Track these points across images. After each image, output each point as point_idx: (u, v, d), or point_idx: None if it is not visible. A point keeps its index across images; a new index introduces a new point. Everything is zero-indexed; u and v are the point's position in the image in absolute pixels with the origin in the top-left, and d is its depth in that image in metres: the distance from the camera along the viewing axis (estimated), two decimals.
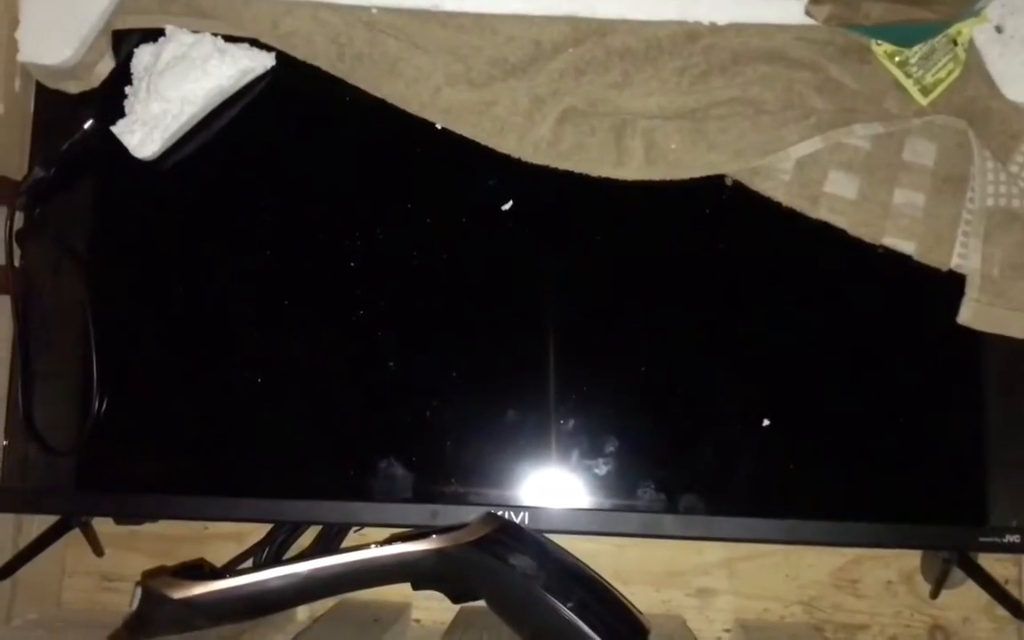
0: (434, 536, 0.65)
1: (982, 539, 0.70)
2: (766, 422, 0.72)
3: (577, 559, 0.67)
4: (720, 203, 0.74)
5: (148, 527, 0.82)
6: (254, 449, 0.75)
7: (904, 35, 0.71)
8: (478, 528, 0.65)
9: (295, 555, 0.78)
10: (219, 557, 0.80)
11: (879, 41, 0.73)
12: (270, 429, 0.75)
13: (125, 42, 0.76)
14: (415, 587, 0.66)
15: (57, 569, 0.84)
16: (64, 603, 0.84)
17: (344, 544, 0.79)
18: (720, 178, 0.74)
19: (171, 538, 0.83)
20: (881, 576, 0.81)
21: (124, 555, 0.83)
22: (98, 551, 0.80)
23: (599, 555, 0.80)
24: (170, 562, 0.82)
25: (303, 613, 0.80)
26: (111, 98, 0.76)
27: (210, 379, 0.75)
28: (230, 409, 0.75)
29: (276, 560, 0.77)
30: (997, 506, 0.71)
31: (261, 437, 0.75)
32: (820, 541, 0.73)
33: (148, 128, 0.74)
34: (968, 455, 0.72)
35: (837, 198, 0.72)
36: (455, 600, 0.67)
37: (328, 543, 0.78)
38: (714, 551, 0.82)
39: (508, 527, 0.65)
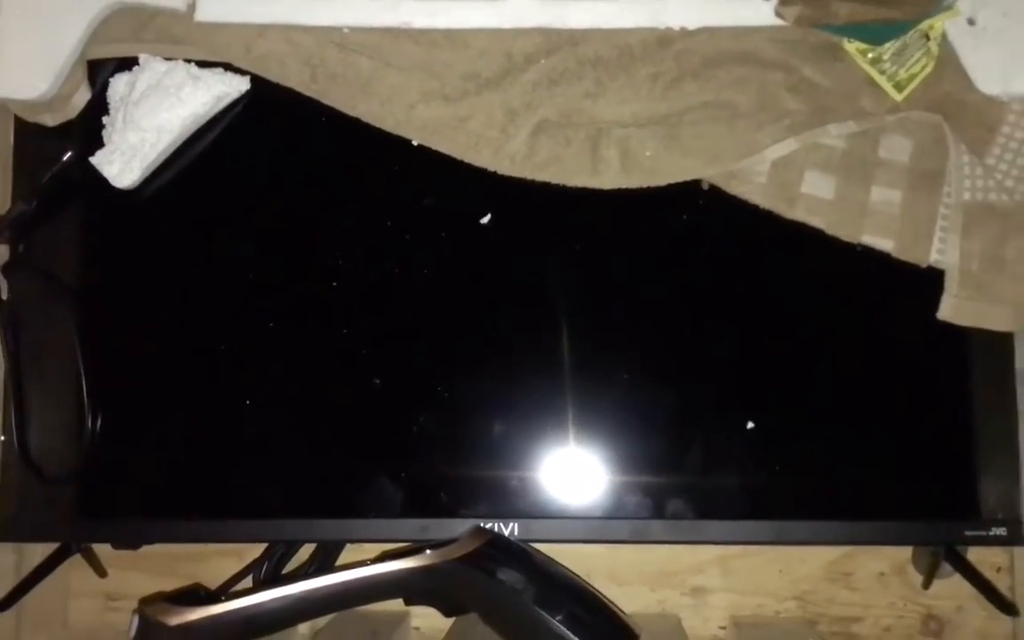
0: (425, 552, 0.66)
1: (968, 533, 0.70)
2: (751, 425, 0.72)
3: (566, 569, 0.68)
4: (697, 208, 0.74)
5: (149, 546, 0.83)
6: (246, 470, 0.75)
7: (875, 33, 0.71)
8: (466, 543, 0.66)
9: (292, 571, 0.79)
10: (220, 573, 0.81)
11: (851, 39, 0.72)
12: (261, 450, 0.76)
13: (100, 72, 0.77)
14: (407, 603, 0.67)
15: (62, 592, 0.85)
16: (70, 625, 0.86)
17: (342, 559, 0.80)
18: (697, 183, 0.74)
19: (172, 556, 0.85)
20: (873, 568, 0.82)
21: (127, 575, 0.84)
22: (100, 572, 0.81)
23: (592, 557, 0.82)
24: (173, 579, 0.83)
25: (304, 627, 0.81)
26: (89, 129, 0.76)
27: (199, 403, 0.76)
28: (221, 432, 0.76)
29: (274, 577, 0.78)
30: (982, 499, 0.71)
31: (253, 458, 0.76)
32: (805, 541, 0.73)
33: (126, 158, 0.74)
34: (952, 449, 0.72)
35: (814, 199, 0.72)
36: (447, 614, 0.68)
37: (324, 559, 0.79)
38: (707, 549, 0.83)
39: (496, 540, 0.66)
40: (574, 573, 0.68)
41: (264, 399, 0.76)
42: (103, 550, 0.81)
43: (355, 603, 0.65)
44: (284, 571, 0.80)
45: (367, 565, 0.66)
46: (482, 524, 0.71)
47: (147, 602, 0.66)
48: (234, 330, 0.76)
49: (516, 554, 0.65)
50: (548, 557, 0.68)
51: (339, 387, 0.75)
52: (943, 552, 0.72)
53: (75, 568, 0.83)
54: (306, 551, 0.80)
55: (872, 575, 0.82)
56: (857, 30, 0.71)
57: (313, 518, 0.75)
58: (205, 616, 0.63)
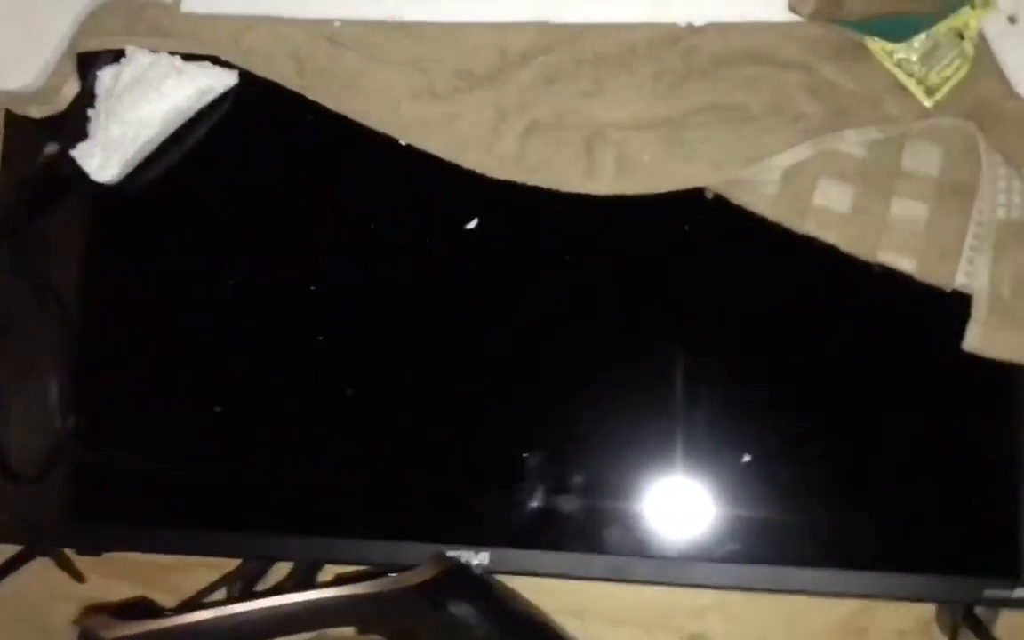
0: (377, 579, 0.62)
1: (987, 593, 0.62)
2: (747, 458, 0.65)
3: (532, 607, 0.62)
4: (700, 219, 0.68)
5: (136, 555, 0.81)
6: (218, 482, 0.72)
7: (895, 28, 0.64)
8: (422, 572, 0.61)
9: (267, 589, 0.75)
10: (202, 585, 0.77)
11: (874, 37, 0.66)
12: (233, 462, 0.72)
13: (90, 64, 0.75)
14: (360, 631, 0.63)
15: (43, 596, 0.83)
16: (47, 629, 0.83)
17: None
18: (700, 192, 0.68)
19: (156, 566, 0.81)
20: (893, 625, 0.73)
21: (109, 582, 0.81)
22: (77, 578, 0.79)
23: (587, 595, 0.75)
24: (152, 589, 0.80)
25: None
26: (76, 122, 0.74)
27: (175, 408, 0.73)
28: (196, 440, 0.73)
29: (247, 593, 0.75)
30: (1008, 557, 0.63)
31: (225, 470, 0.72)
32: (797, 589, 0.66)
33: (107, 152, 0.72)
34: (978, 497, 0.64)
35: (827, 211, 0.66)
36: None
37: (301, 578, 0.75)
38: (709, 592, 0.76)
39: (456, 570, 0.61)
40: (540, 612, 0.62)
41: (241, 407, 0.72)
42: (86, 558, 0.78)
43: (300, 628, 0.61)
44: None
45: (319, 589, 0.62)
46: (451, 552, 0.66)
47: (90, 611, 0.63)
48: (214, 334, 0.73)
49: (475, 587, 0.60)
50: (513, 592, 0.62)
51: (316, 397, 0.72)
52: (961, 613, 0.63)
53: (57, 573, 0.81)
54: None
55: (891, 632, 0.73)
56: (876, 26, 0.64)
57: (282, 535, 0.70)
58: (141, 631, 0.60)
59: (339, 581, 0.63)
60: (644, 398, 0.67)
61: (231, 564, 0.76)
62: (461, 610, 0.58)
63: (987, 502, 0.64)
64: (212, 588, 0.76)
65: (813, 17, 0.65)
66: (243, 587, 0.74)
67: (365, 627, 0.62)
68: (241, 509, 0.72)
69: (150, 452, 0.73)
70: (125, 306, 0.74)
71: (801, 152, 0.66)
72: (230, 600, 0.70)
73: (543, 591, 0.68)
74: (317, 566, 0.75)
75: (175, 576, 0.81)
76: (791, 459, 0.66)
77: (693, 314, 0.68)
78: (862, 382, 0.66)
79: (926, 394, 0.65)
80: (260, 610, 0.60)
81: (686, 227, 0.69)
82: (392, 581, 0.60)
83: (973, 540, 0.64)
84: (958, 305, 0.64)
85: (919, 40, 0.66)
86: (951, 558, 0.63)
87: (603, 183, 0.69)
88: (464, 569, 0.62)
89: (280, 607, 0.60)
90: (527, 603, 0.62)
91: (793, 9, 0.66)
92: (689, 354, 0.68)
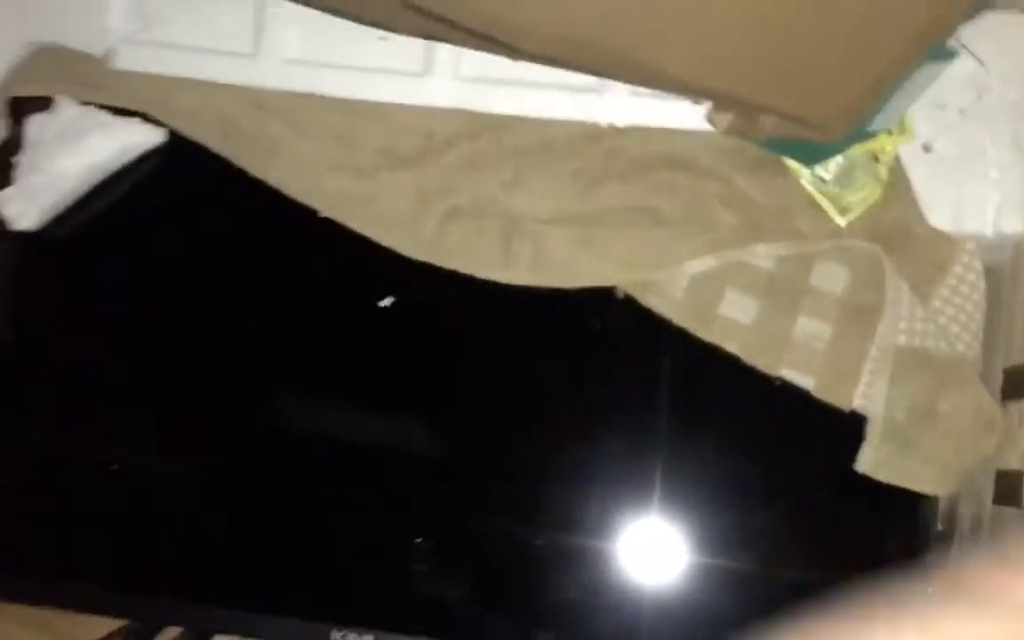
0: None
1: None
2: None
3: None
4: (611, 317, 0.68)
5: None
6: (111, 540, 0.71)
7: (803, 152, 0.64)
8: None
9: None
10: (94, 636, 0.76)
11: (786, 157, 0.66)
12: (130, 522, 0.71)
13: (22, 110, 0.75)
14: None
15: None
16: None
17: None
18: (611, 290, 0.68)
19: (53, 612, 0.80)
20: None
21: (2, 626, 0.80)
22: None
23: None
24: (47, 636, 0.79)
25: None
26: (1, 167, 0.74)
27: (70, 463, 0.72)
28: (91, 497, 0.72)
29: None
30: None
31: (120, 528, 0.71)
32: None
33: (27, 200, 0.72)
34: None
35: (732, 321, 0.66)
36: None
37: None
38: None
39: None
40: None
41: (136, 469, 0.72)
42: None
43: None
44: None
45: None
46: (336, 632, 0.65)
47: None
48: (119, 390, 0.73)
49: None
50: None
51: (214, 465, 0.71)
52: None
53: None
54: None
55: None
56: (786, 147, 0.65)
57: (170, 599, 0.70)
58: None
59: None
60: (544, 494, 0.67)
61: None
62: None
63: None
64: None
65: (727, 133, 0.66)
66: None
67: None
68: (132, 569, 0.71)
69: (42, 505, 0.72)
70: (32, 353, 0.74)
71: (709, 261, 0.66)
72: None
73: None
74: (207, 635, 0.74)
75: (70, 624, 0.80)
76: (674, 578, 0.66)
77: (598, 410, 0.68)
78: (741, 497, 0.66)
79: (813, 516, 0.65)
80: None
81: (599, 324, 0.69)
82: None
83: None
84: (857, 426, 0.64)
85: (835, 161, 0.66)
86: None
87: (519, 274, 0.69)
88: None
89: None
90: None
91: (710, 122, 0.67)
92: (593, 453, 0.67)
